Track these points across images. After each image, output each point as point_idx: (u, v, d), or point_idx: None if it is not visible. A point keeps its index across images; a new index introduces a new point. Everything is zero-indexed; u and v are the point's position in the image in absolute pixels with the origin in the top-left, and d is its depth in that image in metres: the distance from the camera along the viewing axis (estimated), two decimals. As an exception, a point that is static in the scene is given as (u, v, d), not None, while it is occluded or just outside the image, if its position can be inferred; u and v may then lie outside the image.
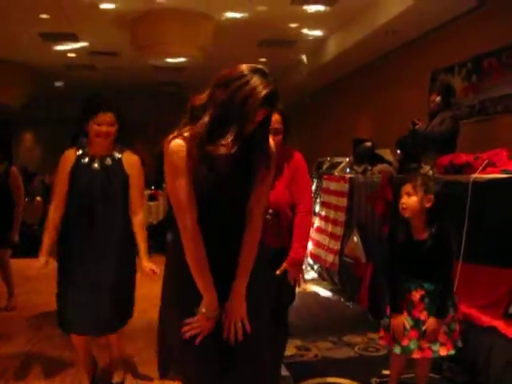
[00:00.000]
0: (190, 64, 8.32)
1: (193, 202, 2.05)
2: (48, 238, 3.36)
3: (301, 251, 3.12)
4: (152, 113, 11.86)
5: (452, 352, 3.06)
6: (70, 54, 9.96)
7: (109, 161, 3.36)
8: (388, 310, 3.17)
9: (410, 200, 3.05)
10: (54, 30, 8.41)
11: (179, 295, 2.17)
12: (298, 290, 3.30)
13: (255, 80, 1.95)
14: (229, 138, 1.95)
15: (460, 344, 3.09)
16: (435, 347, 3.00)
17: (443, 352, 3.02)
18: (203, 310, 2.06)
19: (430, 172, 4.43)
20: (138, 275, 3.44)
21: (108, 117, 3.30)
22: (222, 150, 1.96)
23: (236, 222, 2.13)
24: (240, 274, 2.12)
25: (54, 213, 3.37)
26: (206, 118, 1.98)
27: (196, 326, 2.06)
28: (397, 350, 3.06)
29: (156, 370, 3.65)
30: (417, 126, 5.12)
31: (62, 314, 3.39)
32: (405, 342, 3.03)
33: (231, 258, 2.12)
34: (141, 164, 3.49)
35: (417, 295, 3.06)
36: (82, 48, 9.46)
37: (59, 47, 9.40)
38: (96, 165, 3.34)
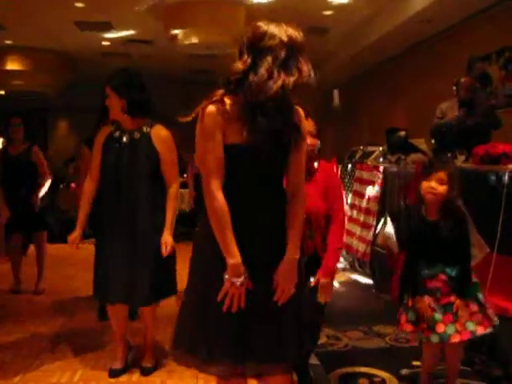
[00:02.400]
0: (222, 51, 8.31)
1: (220, 166, 2.09)
2: (82, 211, 3.52)
3: (334, 262, 3.10)
4: (184, 102, 11.90)
5: (489, 330, 3.01)
6: (104, 43, 10.05)
7: (137, 134, 3.42)
8: (409, 303, 3.12)
9: (441, 188, 3.02)
10: (88, 18, 8.49)
11: (205, 264, 2.19)
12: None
13: (284, 25, 2.10)
14: (306, 65, 2.06)
15: (497, 322, 3.04)
16: (472, 327, 2.96)
17: (480, 331, 2.98)
18: (227, 276, 2.07)
19: (463, 162, 4.36)
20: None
21: (106, 90, 3.39)
22: (306, 77, 2.05)
23: (265, 192, 2.16)
24: (291, 241, 2.15)
25: (87, 185, 3.53)
26: (266, 61, 2.01)
27: (225, 293, 2.08)
28: (434, 338, 2.99)
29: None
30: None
31: (96, 284, 3.52)
32: (441, 329, 2.97)
33: (259, 228, 2.14)
34: (171, 138, 3.49)
35: (439, 281, 3.04)
36: (117, 36, 9.53)
37: (94, 35, 9.48)
38: (125, 139, 3.42)
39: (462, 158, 4.85)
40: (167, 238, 3.39)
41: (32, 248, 5.87)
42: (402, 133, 6.16)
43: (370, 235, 5.94)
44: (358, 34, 9.17)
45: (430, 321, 3.00)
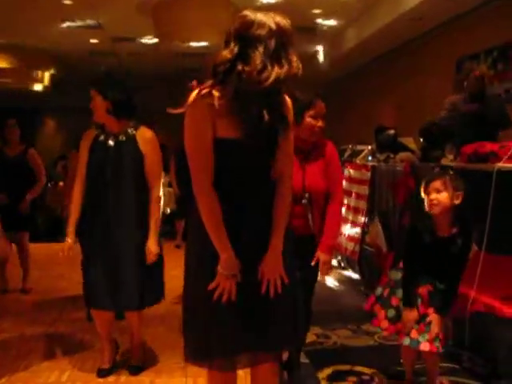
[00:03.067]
0: (211, 50, 8.30)
1: (210, 162, 2.06)
2: (72, 217, 3.49)
3: (333, 238, 3.17)
4: (172, 100, 11.87)
5: (441, 350, 3.03)
6: (92, 41, 10.00)
7: (122, 137, 3.42)
8: (393, 301, 3.15)
9: (441, 196, 2.98)
10: (76, 16, 8.44)
11: (198, 258, 2.19)
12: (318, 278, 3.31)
13: (271, 13, 2.05)
14: (294, 57, 2.02)
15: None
16: (436, 343, 2.97)
17: (440, 348, 3.00)
18: (220, 270, 2.08)
19: (451, 161, 4.37)
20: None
21: (91, 93, 3.39)
22: (295, 70, 2.01)
23: (256, 184, 2.15)
24: (275, 231, 2.15)
25: (76, 190, 3.50)
26: (258, 51, 1.95)
27: (216, 285, 2.08)
28: (406, 341, 3.04)
29: (175, 355, 3.75)
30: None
31: (84, 289, 3.49)
32: (414, 335, 3.01)
33: (250, 219, 2.14)
34: (155, 139, 3.49)
35: (425, 290, 3.05)
36: (105, 34, 9.48)
37: (82, 33, 9.43)
38: (110, 141, 3.41)
39: (450, 156, 4.86)
40: (151, 247, 3.37)
41: (14, 248, 5.83)
42: (391, 131, 6.18)
43: (358, 233, 5.96)
44: (347, 32, 9.20)
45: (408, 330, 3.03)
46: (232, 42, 2.01)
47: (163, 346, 4.07)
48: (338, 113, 11.77)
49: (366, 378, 3.54)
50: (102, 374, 3.54)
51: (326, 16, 8.37)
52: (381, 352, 4.02)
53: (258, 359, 2.22)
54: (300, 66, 2.02)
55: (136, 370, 3.59)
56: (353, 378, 3.52)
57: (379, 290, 3.28)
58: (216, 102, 2.00)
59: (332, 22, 8.71)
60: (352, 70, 11.11)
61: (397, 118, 9.04)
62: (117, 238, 3.36)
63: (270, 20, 2.01)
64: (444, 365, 3.42)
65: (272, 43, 1.97)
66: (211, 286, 2.09)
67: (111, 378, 3.51)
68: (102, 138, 3.44)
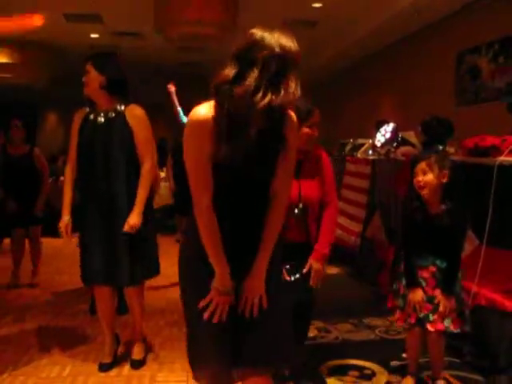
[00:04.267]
0: (211, 44, 8.28)
1: (210, 180, 2.02)
2: (66, 196, 3.53)
3: (327, 246, 3.12)
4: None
5: (457, 330, 3.07)
6: (93, 35, 9.98)
7: (112, 114, 3.42)
8: (401, 290, 3.20)
9: (427, 177, 3.06)
10: (77, 10, 8.42)
11: (193, 272, 2.18)
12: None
13: (280, 34, 1.96)
14: (293, 84, 1.93)
15: (468, 328, 3.10)
16: (447, 322, 3.03)
17: (453, 327, 3.05)
18: (215, 285, 2.07)
19: (452, 155, 4.36)
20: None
21: (85, 65, 3.41)
22: (291, 97, 1.93)
23: (252, 200, 2.11)
24: (262, 251, 2.11)
25: (67, 169, 3.55)
26: (253, 74, 1.89)
27: (209, 301, 2.08)
28: (413, 319, 3.10)
29: (176, 349, 3.76)
30: None
31: (81, 266, 3.53)
32: (425, 311, 3.07)
33: (246, 236, 2.12)
34: (145, 116, 3.47)
35: (428, 272, 3.10)
36: (105, 29, 9.46)
37: (82, 28, 9.40)
38: (100, 118, 3.42)
39: (451, 150, 4.86)
40: (130, 219, 3.33)
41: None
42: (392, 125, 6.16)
43: (359, 227, 5.96)
44: (347, 27, 9.16)
45: (417, 309, 3.07)
46: (233, 62, 1.96)
47: (164, 340, 4.08)
48: (338, 107, 11.77)
49: (367, 372, 3.54)
50: (104, 367, 3.55)
51: (327, 10, 8.33)
52: (382, 346, 4.02)
53: (247, 373, 2.18)
54: (297, 93, 1.94)
55: (137, 364, 3.60)
56: (354, 373, 3.53)
57: (394, 285, 3.32)
58: (212, 123, 1.96)
59: (332, 16, 8.66)
60: (353, 64, 11.08)
61: (398, 111, 9.03)
62: (108, 214, 3.38)
63: (275, 42, 1.93)
64: (446, 359, 3.42)
65: (272, 66, 1.90)
66: (204, 301, 2.08)
67: (113, 372, 3.52)
68: (91, 116, 3.45)
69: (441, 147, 4.70)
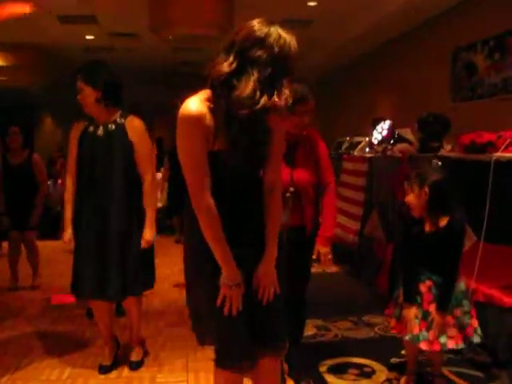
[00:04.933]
0: (208, 43, 8.26)
1: (208, 175, 2.02)
2: (68, 209, 3.50)
3: (332, 229, 3.19)
4: (169, 94, 11.87)
5: (461, 346, 3.01)
6: (88, 37, 9.96)
7: (112, 126, 3.41)
8: (400, 299, 3.17)
9: (408, 198, 3.05)
10: (72, 12, 8.40)
11: (200, 268, 2.19)
12: (318, 270, 3.33)
13: (281, 32, 1.96)
14: (287, 90, 1.95)
15: (476, 339, 3.02)
16: (443, 339, 2.96)
17: (451, 345, 2.97)
18: (225, 281, 2.08)
19: (449, 151, 4.37)
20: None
21: (77, 83, 3.37)
22: (286, 101, 1.94)
23: (250, 197, 2.17)
24: (270, 240, 2.19)
25: (68, 181, 3.52)
26: (253, 75, 1.90)
27: (223, 296, 2.09)
28: (407, 337, 3.06)
29: (175, 350, 3.77)
30: None
31: (72, 279, 3.51)
32: (415, 331, 3.01)
33: (244, 227, 2.16)
34: (144, 127, 3.47)
35: (425, 286, 3.05)
36: (101, 30, 9.45)
37: (77, 30, 9.38)
38: (100, 131, 3.40)
39: (448, 147, 4.87)
40: (146, 235, 3.38)
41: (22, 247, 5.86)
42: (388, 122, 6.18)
43: (357, 225, 5.96)
44: (343, 25, 9.16)
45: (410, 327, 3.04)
46: (232, 55, 1.96)
47: (164, 341, 4.08)
48: (335, 105, 11.77)
49: (367, 369, 3.55)
50: (103, 370, 3.55)
51: (322, 8, 8.33)
52: (382, 343, 4.03)
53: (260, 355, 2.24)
54: (290, 98, 1.96)
55: (136, 366, 3.61)
56: (354, 371, 3.53)
57: (395, 293, 3.29)
58: (208, 116, 1.98)
59: (328, 15, 8.65)
60: (349, 63, 11.09)
61: (394, 109, 9.04)
62: (105, 227, 3.35)
63: (275, 41, 1.93)
64: (445, 355, 3.43)
65: (268, 70, 1.91)
66: (219, 300, 2.10)
67: (113, 374, 3.52)
68: (91, 128, 3.43)
69: (437, 145, 4.70)
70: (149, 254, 3.52)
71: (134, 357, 3.66)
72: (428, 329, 2.98)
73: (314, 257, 3.17)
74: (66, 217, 3.49)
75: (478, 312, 3.41)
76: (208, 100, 2.01)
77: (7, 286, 5.70)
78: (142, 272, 3.48)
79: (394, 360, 3.65)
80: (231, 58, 1.95)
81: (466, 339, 2.99)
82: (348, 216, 6.20)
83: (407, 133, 5.75)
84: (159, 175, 7.91)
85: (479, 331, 3.03)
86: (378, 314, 4.58)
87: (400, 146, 5.47)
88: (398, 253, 3.22)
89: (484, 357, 3.60)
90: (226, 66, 1.95)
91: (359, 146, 6.74)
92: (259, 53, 1.92)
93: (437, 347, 2.97)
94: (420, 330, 3.00)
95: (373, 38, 9.14)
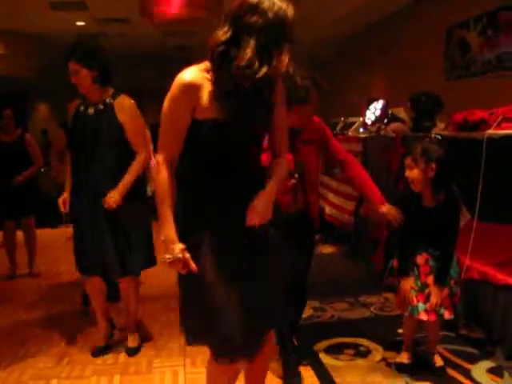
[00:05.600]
0: (199, 27, 8.21)
1: (175, 142, 2.06)
2: (68, 175, 3.61)
3: (379, 191, 3.25)
4: (161, 78, 11.79)
5: (452, 317, 3.08)
6: (79, 23, 9.88)
7: (101, 106, 3.43)
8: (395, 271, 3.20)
9: (413, 173, 3.00)
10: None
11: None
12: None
13: (278, 1, 1.94)
14: (286, 57, 1.94)
15: (459, 309, 3.14)
16: (440, 310, 3.02)
17: (447, 315, 3.04)
18: (162, 238, 2.07)
19: (442, 130, 4.35)
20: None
21: (71, 65, 3.37)
22: (287, 68, 1.95)
23: (244, 168, 2.13)
24: (271, 180, 2.11)
25: (67, 157, 3.64)
26: (250, 43, 1.89)
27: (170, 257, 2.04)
28: (407, 311, 3.10)
29: (173, 335, 3.78)
30: None
31: (75, 256, 3.56)
32: (413, 302, 3.06)
33: (242, 201, 2.07)
34: (134, 107, 3.48)
35: (422, 259, 3.08)
36: (91, 16, 9.36)
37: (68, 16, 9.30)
38: (90, 110, 3.43)
39: (441, 125, 4.84)
40: (111, 195, 3.32)
41: (20, 234, 5.84)
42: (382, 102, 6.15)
43: (353, 205, 5.96)
44: (336, 2, 9.07)
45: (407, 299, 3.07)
46: (227, 24, 1.95)
47: (161, 325, 4.10)
48: (329, 86, 11.69)
49: (363, 349, 3.56)
50: (98, 351, 3.62)
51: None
52: (377, 323, 4.05)
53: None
54: (290, 65, 1.96)
55: (133, 352, 3.63)
56: (350, 351, 3.55)
57: (389, 263, 3.32)
58: (206, 83, 1.99)
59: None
60: (342, 43, 11.02)
61: (388, 88, 9.00)
62: (98, 206, 3.36)
63: (270, 7, 1.91)
64: (440, 333, 3.44)
65: (264, 36, 1.90)
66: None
67: (109, 360, 3.54)
68: (82, 107, 3.47)
69: (430, 124, 4.68)
70: (145, 233, 3.55)
71: (131, 343, 3.68)
72: (426, 301, 3.02)
73: (380, 216, 3.19)
74: (66, 183, 3.60)
75: (473, 289, 3.43)
76: (206, 70, 2.02)
77: (5, 274, 5.70)
78: (140, 251, 3.51)
79: (390, 339, 3.66)
80: (226, 27, 1.95)
81: (455, 309, 3.08)
82: (344, 196, 6.19)
83: (400, 112, 5.72)
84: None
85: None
86: (374, 294, 4.60)
87: (393, 125, 5.45)
88: (394, 228, 3.21)
89: (478, 334, 3.62)
90: (222, 34, 1.95)
91: (353, 127, 6.72)
92: (253, 19, 1.90)
93: (433, 316, 3.02)
94: (418, 301, 3.04)
95: (365, 17, 9.08)
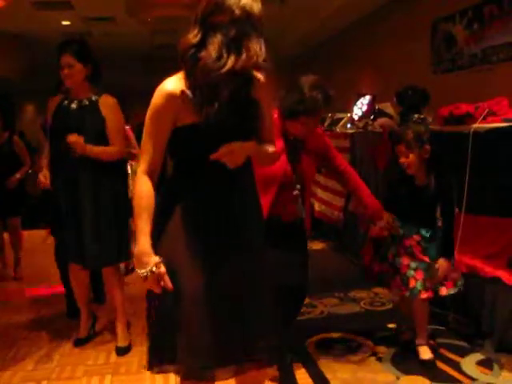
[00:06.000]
0: (184, 25, 8.17)
1: (157, 151, 1.99)
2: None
3: (377, 202, 3.26)
4: (147, 77, 11.73)
5: (452, 291, 3.14)
6: (64, 22, 9.82)
7: (85, 102, 3.49)
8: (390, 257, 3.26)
9: (409, 159, 3.07)
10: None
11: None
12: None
13: None
14: (255, 47, 1.88)
15: (461, 283, 3.18)
16: (438, 286, 3.09)
17: (443, 292, 3.11)
18: (135, 251, 1.94)
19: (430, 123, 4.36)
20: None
21: (66, 58, 3.40)
22: (254, 60, 1.88)
23: (233, 171, 2.01)
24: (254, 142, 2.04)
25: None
26: (215, 39, 1.86)
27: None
28: (407, 294, 3.14)
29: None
30: None
31: (56, 248, 3.76)
32: (412, 284, 3.09)
33: (231, 209, 2.01)
34: (117, 106, 3.53)
35: (413, 240, 3.15)
36: (77, 15, 9.31)
37: (53, 16, 9.25)
38: (74, 105, 3.49)
39: (429, 119, 4.85)
40: (76, 139, 3.34)
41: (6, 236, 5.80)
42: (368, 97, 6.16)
43: (341, 201, 5.96)
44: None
45: (403, 276, 3.10)
46: (197, 26, 1.93)
47: (150, 324, 4.08)
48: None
49: (353, 344, 3.57)
50: (78, 342, 3.75)
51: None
52: (367, 318, 4.06)
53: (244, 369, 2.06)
54: (260, 54, 1.89)
55: (123, 351, 3.63)
56: (340, 346, 3.56)
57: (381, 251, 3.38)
58: (184, 89, 1.93)
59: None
60: (328, 39, 11.02)
61: (375, 84, 9.01)
62: (78, 197, 3.45)
63: (236, 4, 1.88)
64: (430, 327, 3.46)
65: (232, 31, 1.87)
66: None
67: (100, 360, 3.53)
68: (65, 102, 3.52)
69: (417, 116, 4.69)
70: (124, 224, 3.61)
71: (121, 342, 3.68)
72: (425, 278, 3.07)
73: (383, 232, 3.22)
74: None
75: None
76: (184, 78, 1.97)
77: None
78: (119, 242, 3.57)
79: (379, 334, 3.68)
80: (196, 29, 1.92)
81: (456, 283, 3.16)
82: (333, 193, 6.20)
83: (387, 107, 5.74)
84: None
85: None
86: (364, 289, 4.62)
87: (380, 120, 5.46)
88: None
89: (467, 327, 3.63)
90: (192, 37, 1.92)
91: (341, 123, 6.72)
92: (220, 17, 1.88)
93: (431, 294, 3.09)
94: (417, 280, 3.08)
95: (351, 13, 9.09)
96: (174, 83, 1.96)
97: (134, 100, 5.87)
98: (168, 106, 1.95)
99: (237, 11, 1.88)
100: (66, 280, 4.16)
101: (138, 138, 4.18)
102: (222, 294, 1.95)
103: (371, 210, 3.24)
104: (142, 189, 1.97)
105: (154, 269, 1.89)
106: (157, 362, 2.06)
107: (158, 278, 1.90)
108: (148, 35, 10.51)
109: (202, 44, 1.90)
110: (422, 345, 3.28)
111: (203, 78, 1.88)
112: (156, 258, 1.90)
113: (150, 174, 1.99)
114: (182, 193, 2.02)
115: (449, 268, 3.07)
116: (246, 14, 1.89)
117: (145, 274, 1.90)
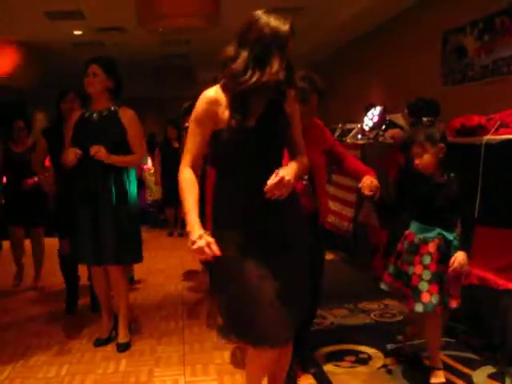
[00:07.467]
0: (196, 35, 8.21)
1: (198, 148, 2.29)
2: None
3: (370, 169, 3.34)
4: (159, 87, 11.78)
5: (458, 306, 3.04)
6: (76, 32, 9.89)
7: (105, 112, 3.68)
8: (392, 259, 3.24)
9: (424, 159, 3.01)
10: (59, 8, 8.33)
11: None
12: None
13: (273, 15, 2.18)
14: (278, 65, 2.14)
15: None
16: (446, 300, 2.97)
17: (453, 304, 2.98)
18: (187, 228, 2.20)
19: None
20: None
21: (92, 68, 3.62)
22: (272, 77, 2.13)
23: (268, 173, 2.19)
24: (291, 162, 2.34)
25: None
26: (244, 54, 2.14)
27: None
28: (418, 307, 2.97)
29: (172, 343, 3.78)
30: None
31: (72, 249, 3.94)
32: (426, 299, 2.94)
33: (269, 210, 2.24)
34: (136, 117, 3.75)
35: (433, 246, 3.00)
36: (88, 25, 9.37)
37: (65, 26, 9.31)
38: (95, 116, 3.68)
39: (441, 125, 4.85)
40: (101, 149, 3.56)
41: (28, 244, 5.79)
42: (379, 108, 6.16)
43: (351, 212, 5.96)
44: (333, 11, 9.12)
45: (415, 289, 2.99)
46: (234, 40, 2.21)
47: (160, 334, 4.09)
48: (327, 92, 11.71)
49: (363, 356, 3.55)
50: (99, 343, 3.87)
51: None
52: (377, 330, 4.03)
53: None
54: (282, 72, 2.14)
55: (123, 348, 3.77)
56: (350, 357, 3.54)
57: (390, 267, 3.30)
58: (222, 96, 2.23)
59: (317, 1, 8.61)
60: (339, 49, 11.05)
61: (385, 94, 9.01)
62: (97, 202, 3.64)
63: (266, 23, 2.14)
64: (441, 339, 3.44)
65: (258, 48, 2.13)
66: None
67: (110, 369, 3.53)
68: (87, 114, 3.70)
69: (426, 119, 4.69)
70: (136, 227, 3.82)
71: (121, 338, 3.83)
72: (440, 290, 2.95)
73: (360, 185, 3.22)
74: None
75: (473, 295, 3.42)
76: (219, 85, 2.28)
77: (11, 283, 5.68)
78: (131, 244, 3.76)
79: (390, 345, 3.66)
80: (234, 43, 2.21)
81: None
82: (343, 203, 6.19)
83: (398, 118, 5.74)
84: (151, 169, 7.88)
85: None
86: (374, 301, 4.60)
87: (391, 131, 5.47)
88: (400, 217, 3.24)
89: (478, 339, 3.61)
90: (229, 50, 2.21)
91: (351, 133, 6.72)
92: (251, 35, 2.16)
93: (440, 309, 2.98)
94: (431, 294, 2.94)
95: (362, 24, 9.10)
96: (214, 91, 2.26)
97: (145, 109, 5.88)
98: (209, 109, 2.23)
99: (265, 30, 2.14)
100: (67, 277, 4.72)
101: (149, 148, 4.22)
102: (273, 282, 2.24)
103: (360, 171, 3.30)
104: (186, 177, 2.28)
105: (202, 238, 2.13)
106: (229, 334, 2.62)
107: (207, 245, 2.13)
108: (158, 45, 10.55)
109: (235, 57, 2.17)
110: (434, 369, 3.14)
111: (233, 88, 2.18)
112: (202, 230, 2.17)
113: (192, 167, 2.30)
114: (223, 198, 2.34)
115: (465, 260, 2.90)
116: (274, 33, 2.15)
117: (194, 242, 2.13)
